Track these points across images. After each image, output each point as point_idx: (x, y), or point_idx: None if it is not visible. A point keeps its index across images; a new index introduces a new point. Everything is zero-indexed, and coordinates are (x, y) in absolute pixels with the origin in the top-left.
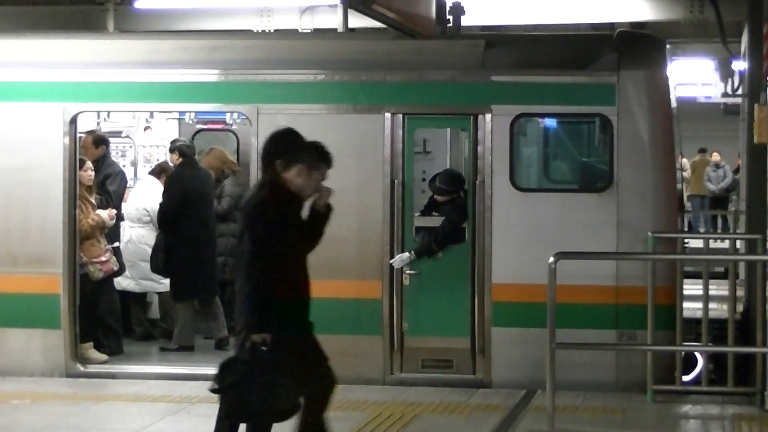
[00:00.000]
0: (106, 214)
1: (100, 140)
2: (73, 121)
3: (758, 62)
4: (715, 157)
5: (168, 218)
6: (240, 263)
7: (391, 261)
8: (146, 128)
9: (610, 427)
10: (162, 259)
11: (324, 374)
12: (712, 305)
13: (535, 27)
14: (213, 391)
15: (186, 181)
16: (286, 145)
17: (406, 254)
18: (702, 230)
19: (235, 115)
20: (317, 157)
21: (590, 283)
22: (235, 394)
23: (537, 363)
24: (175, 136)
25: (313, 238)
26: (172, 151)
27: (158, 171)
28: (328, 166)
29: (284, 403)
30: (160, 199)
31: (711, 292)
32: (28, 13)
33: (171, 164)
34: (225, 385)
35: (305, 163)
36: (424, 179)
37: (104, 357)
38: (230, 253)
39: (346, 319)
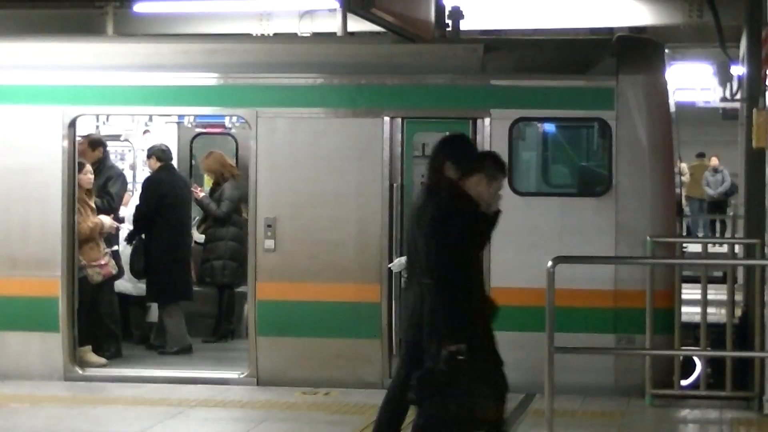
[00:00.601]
0: (108, 220)
1: (96, 143)
2: (72, 124)
3: (757, 67)
4: (714, 161)
5: (143, 221)
6: (416, 272)
7: (390, 265)
8: (145, 132)
9: (608, 430)
10: (142, 261)
11: (498, 380)
12: (710, 309)
13: (535, 31)
14: (411, 401)
15: (163, 184)
16: (459, 150)
17: (404, 258)
18: (700, 234)
19: (234, 118)
20: (496, 167)
21: (589, 287)
22: (435, 404)
23: (536, 367)
24: (174, 139)
25: (482, 242)
26: (149, 156)
27: None
28: (504, 176)
29: (484, 411)
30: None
31: (709, 297)
32: (28, 16)
33: (149, 170)
34: (424, 395)
35: (486, 173)
36: (422, 183)
37: (103, 360)
38: (230, 257)
39: (345, 322)
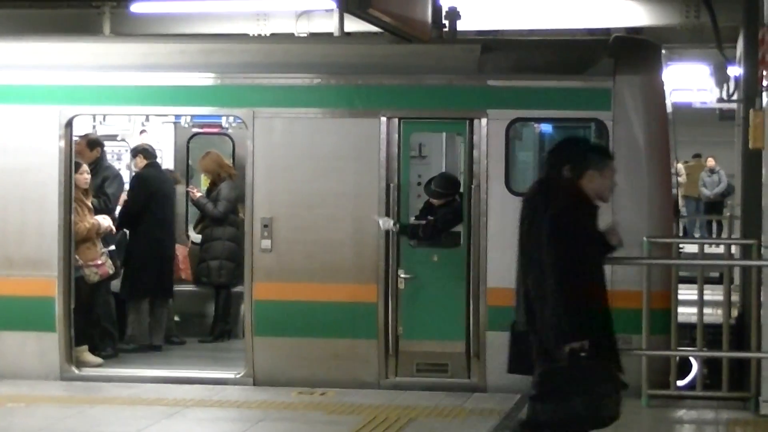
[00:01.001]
0: (104, 221)
1: (94, 143)
2: (69, 124)
3: (754, 67)
4: (710, 162)
5: (131, 218)
6: (532, 271)
7: (377, 218)
8: (142, 131)
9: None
10: (122, 257)
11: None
12: (706, 310)
13: (531, 32)
14: (532, 398)
15: (152, 182)
16: (574, 150)
17: (391, 222)
18: (697, 235)
19: (231, 118)
20: (600, 156)
21: None
22: (558, 402)
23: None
24: (171, 139)
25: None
26: (135, 155)
27: None
28: (611, 159)
29: (608, 409)
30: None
31: (706, 297)
32: (25, 16)
33: (135, 169)
34: (545, 392)
35: (593, 167)
36: (419, 183)
37: (99, 360)
38: (226, 257)
39: (342, 322)
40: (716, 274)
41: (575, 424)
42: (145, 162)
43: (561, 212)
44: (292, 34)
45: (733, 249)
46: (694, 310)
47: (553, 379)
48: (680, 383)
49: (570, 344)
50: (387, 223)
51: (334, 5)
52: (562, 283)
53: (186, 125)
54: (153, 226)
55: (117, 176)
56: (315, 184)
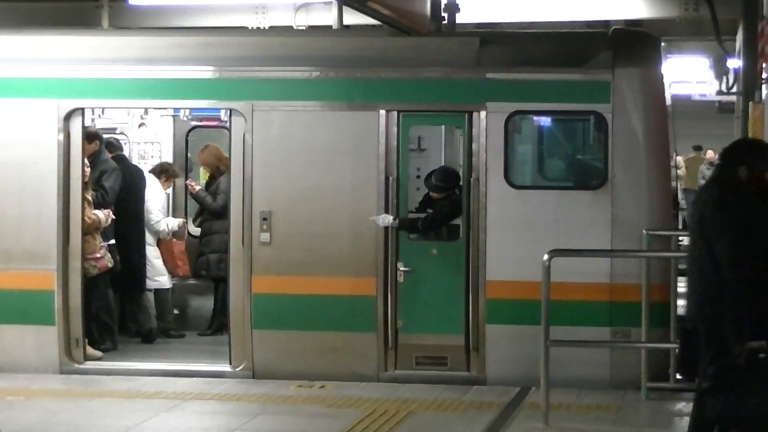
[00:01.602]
0: (103, 215)
1: (93, 136)
2: (68, 117)
3: (753, 60)
4: (710, 155)
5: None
6: (706, 269)
7: (374, 218)
8: (141, 125)
9: (604, 424)
10: None
11: None
12: None
13: (530, 24)
14: (703, 391)
15: (122, 174)
16: (754, 152)
17: (391, 218)
18: None
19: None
20: None
21: (584, 281)
22: (730, 398)
23: (531, 360)
24: (170, 132)
25: None
26: None
27: (159, 170)
28: None
29: None
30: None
31: None
32: (24, 10)
33: None
34: (720, 388)
35: None
36: (418, 176)
37: (98, 353)
38: (225, 250)
39: (341, 316)
40: None
41: (746, 424)
42: (111, 155)
43: (739, 210)
44: (291, 27)
45: None
46: None
47: (730, 376)
48: (679, 376)
49: (748, 343)
50: (386, 220)
51: None
52: (743, 282)
53: (185, 118)
54: (121, 219)
55: (114, 170)
56: (314, 177)
